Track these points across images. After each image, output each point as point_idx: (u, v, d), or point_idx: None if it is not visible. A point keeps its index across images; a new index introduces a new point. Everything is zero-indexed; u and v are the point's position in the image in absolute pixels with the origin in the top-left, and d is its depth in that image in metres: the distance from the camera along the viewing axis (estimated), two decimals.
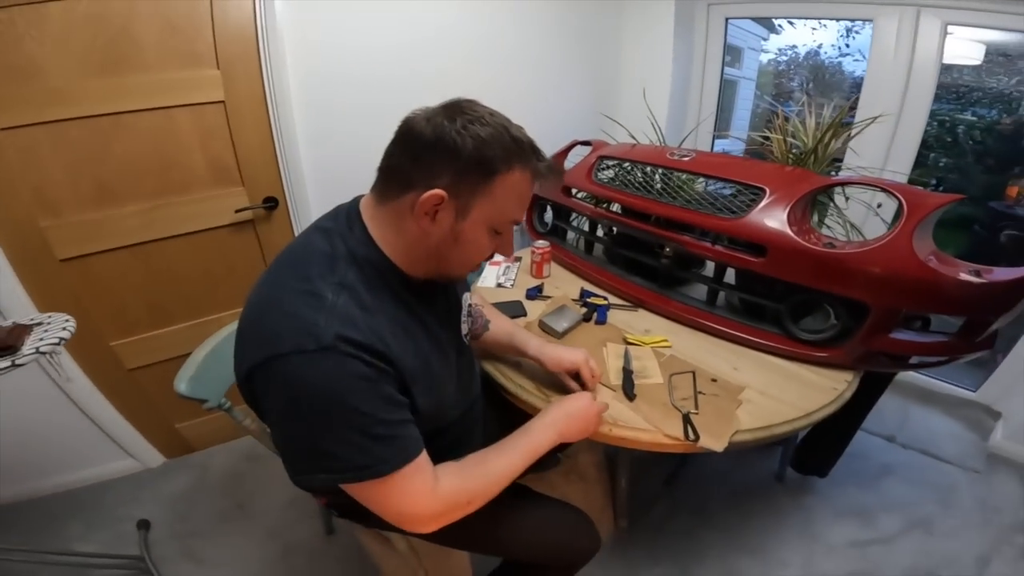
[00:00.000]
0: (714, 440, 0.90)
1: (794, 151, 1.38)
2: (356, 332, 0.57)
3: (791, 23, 2.63)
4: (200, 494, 1.67)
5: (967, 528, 1.51)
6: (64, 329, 1.06)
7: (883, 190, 1.04)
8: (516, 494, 0.98)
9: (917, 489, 1.65)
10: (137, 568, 1.36)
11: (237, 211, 1.54)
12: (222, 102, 1.42)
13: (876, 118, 1.35)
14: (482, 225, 0.63)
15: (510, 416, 1.09)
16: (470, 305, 0.91)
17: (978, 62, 1.96)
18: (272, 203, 1.59)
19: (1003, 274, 0.93)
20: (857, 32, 2.34)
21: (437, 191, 0.58)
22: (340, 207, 0.70)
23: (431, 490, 0.63)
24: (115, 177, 1.36)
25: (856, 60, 2.43)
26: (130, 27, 1.25)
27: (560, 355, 0.98)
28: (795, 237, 1.04)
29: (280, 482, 1.64)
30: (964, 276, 0.93)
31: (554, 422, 0.80)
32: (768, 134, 1.45)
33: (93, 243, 1.39)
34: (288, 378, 0.55)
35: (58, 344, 1.02)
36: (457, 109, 0.60)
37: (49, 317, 1.13)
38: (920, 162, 1.85)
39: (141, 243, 1.45)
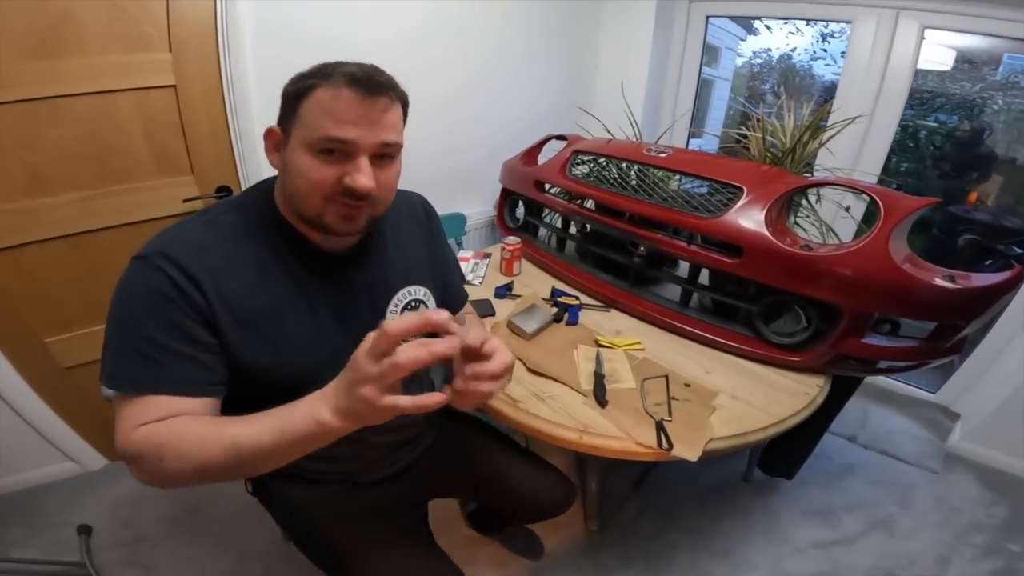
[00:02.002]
0: (688, 449, 0.87)
1: (771, 150, 1.36)
2: (182, 254, 0.60)
3: (768, 27, 2.64)
4: (147, 498, 1.57)
5: (926, 528, 1.54)
6: None
7: (861, 192, 1.02)
8: (409, 535, 0.90)
9: (878, 489, 1.68)
10: (78, 575, 1.29)
11: (185, 200, 1.43)
12: (172, 87, 1.32)
13: (855, 119, 1.34)
14: (298, 148, 0.62)
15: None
16: (420, 302, 0.82)
17: (948, 68, 1.99)
18: (225, 193, 1.49)
19: (977, 280, 0.93)
20: (833, 36, 2.36)
21: (270, 126, 0.66)
22: None
23: (130, 427, 0.57)
24: (50, 164, 1.25)
25: (827, 64, 2.46)
26: (73, 10, 1.16)
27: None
28: (772, 238, 1.02)
29: (234, 486, 1.55)
30: (939, 281, 0.92)
31: (324, 395, 0.53)
32: (745, 132, 1.42)
33: (24, 233, 1.27)
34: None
35: None
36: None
37: None
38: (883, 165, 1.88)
39: (78, 233, 1.34)
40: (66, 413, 1.51)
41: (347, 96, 0.59)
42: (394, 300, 0.79)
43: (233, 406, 0.64)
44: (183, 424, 0.57)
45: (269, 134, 0.66)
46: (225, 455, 0.54)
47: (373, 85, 0.60)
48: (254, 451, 0.54)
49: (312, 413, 0.52)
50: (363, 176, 0.61)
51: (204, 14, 1.31)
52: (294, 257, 0.69)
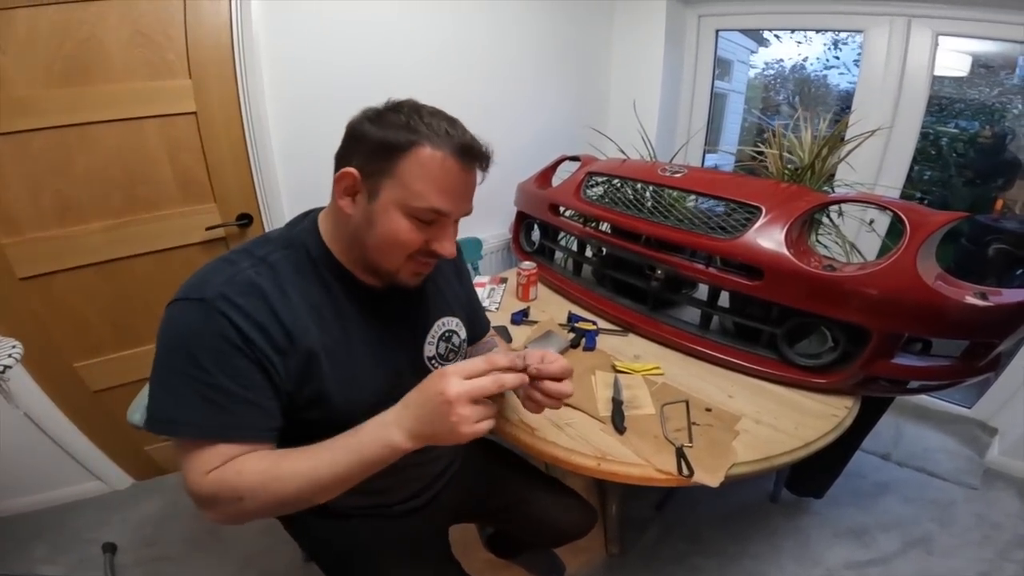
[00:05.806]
0: (709, 475, 0.85)
1: (789, 166, 1.34)
2: (243, 298, 0.59)
3: (777, 37, 2.62)
4: (171, 518, 1.59)
5: (966, 545, 1.48)
6: (9, 356, 0.97)
7: (884, 208, 0.99)
8: (438, 566, 0.90)
9: (914, 507, 1.62)
10: None
11: (208, 228, 1.46)
12: (194, 113, 1.36)
13: (874, 131, 1.31)
14: (393, 208, 0.62)
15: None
16: (452, 332, 0.85)
17: (964, 73, 1.95)
18: (246, 220, 1.51)
19: (1010, 296, 0.90)
20: (844, 44, 2.33)
21: (347, 169, 0.62)
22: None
23: (200, 473, 0.57)
24: (79, 192, 1.29)
25: (841, 73, 2.43)
26: (97, 35, 1.19)
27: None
28: (793, 259, 1.00)
29: None
30: (970, 299, 0.89)
31: (396, 419, 0.58)
32: (762, 148, 1.40)
33: (56, 261, 1.31)
34: (164, 318, 0.59)
35: (2, 372, 0.94)
36: (388, 104, 0.64)
37: None
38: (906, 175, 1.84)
39: (107, 261, 1.38)
40: (94, 434, 1.54)
41: (452, 166, 0.61)
42: (431, 332, 0.81)
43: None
44: (252, 463, 0.58)
45: (344, 177, 0.62)
46: (306, 486, 0.57)
47: (476, 156, 0.64)
48: (332, 479, 0.57)
49: (383, 438, 0.57)
50: (450, 244, 0.67)
51: (221, 39, 1.33)
52: (343, 294, 0.69)
